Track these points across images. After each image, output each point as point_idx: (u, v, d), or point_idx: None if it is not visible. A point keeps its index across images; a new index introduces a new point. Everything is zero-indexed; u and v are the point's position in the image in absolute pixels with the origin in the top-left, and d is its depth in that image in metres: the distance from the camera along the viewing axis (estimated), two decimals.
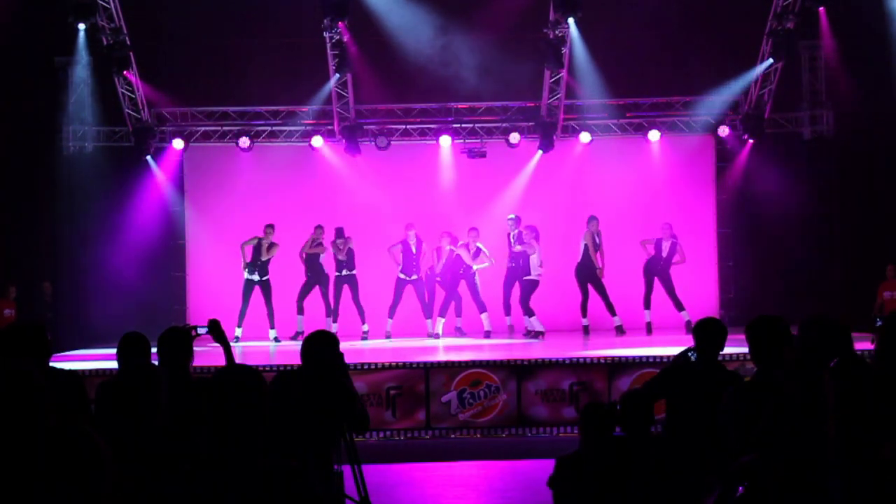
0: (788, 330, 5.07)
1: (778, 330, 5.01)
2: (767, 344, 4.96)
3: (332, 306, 14.56)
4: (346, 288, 14.50)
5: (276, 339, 14.31)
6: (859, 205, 15.35)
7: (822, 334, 5.60)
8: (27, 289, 14.65)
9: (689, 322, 13.68)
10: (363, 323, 14.49)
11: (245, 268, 14.26)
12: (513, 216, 14.39)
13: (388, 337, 14.44)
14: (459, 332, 14.79)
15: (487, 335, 14.27)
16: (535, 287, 13.88)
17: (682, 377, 5.86)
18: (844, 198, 15.46)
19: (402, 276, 14.53)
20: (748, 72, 15.27)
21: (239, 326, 14.18)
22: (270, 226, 14.26)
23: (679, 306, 14.09)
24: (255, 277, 14.27)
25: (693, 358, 5.93)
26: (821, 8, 14.49)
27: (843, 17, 14.63)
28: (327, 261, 14.66)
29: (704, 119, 15.86)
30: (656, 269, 14.23)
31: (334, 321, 14.37)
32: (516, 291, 14.07)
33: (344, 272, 14.47)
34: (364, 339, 14.34)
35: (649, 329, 14.15)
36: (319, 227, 14.54)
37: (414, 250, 14.52)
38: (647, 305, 14.31)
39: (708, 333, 5.81)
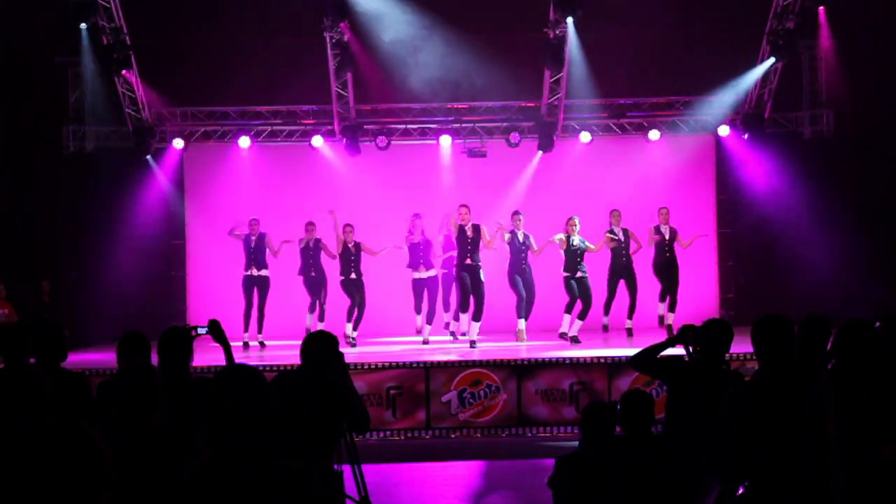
0: (794, 330, 5.09)
1: (785, 330, 5.02)
2: (773, 343, 4.97)
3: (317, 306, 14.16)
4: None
5: (262, 344, 13.89)
6: (860, 205, 15.33)
7: (822, 335, 5.62)
8: (26, 289, 14.62)
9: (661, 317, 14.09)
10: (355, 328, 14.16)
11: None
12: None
13: (425, 343, 13.71)
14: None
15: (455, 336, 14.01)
16: None
17: (683, 376, 5.87)
18: (844, 197, 15.45)
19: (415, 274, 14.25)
20: (748, 72, 15.26)
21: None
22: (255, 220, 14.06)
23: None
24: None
25: (687, 356, 5.95)
26: (820, 7, 14.47)
27: (844, 17, 14.62)
28: (331, 262, 14.44)
29: (704, 119, 15.85)
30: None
31: (320, 320, 14.06)
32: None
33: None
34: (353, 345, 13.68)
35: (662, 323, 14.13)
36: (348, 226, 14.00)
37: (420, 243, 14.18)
38: (662, 299, 14.30)
39: (715, 334, 5.82)
